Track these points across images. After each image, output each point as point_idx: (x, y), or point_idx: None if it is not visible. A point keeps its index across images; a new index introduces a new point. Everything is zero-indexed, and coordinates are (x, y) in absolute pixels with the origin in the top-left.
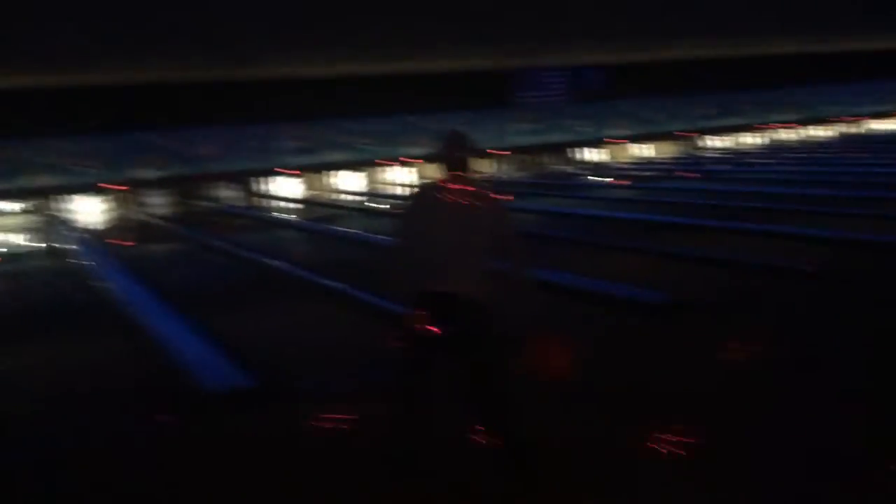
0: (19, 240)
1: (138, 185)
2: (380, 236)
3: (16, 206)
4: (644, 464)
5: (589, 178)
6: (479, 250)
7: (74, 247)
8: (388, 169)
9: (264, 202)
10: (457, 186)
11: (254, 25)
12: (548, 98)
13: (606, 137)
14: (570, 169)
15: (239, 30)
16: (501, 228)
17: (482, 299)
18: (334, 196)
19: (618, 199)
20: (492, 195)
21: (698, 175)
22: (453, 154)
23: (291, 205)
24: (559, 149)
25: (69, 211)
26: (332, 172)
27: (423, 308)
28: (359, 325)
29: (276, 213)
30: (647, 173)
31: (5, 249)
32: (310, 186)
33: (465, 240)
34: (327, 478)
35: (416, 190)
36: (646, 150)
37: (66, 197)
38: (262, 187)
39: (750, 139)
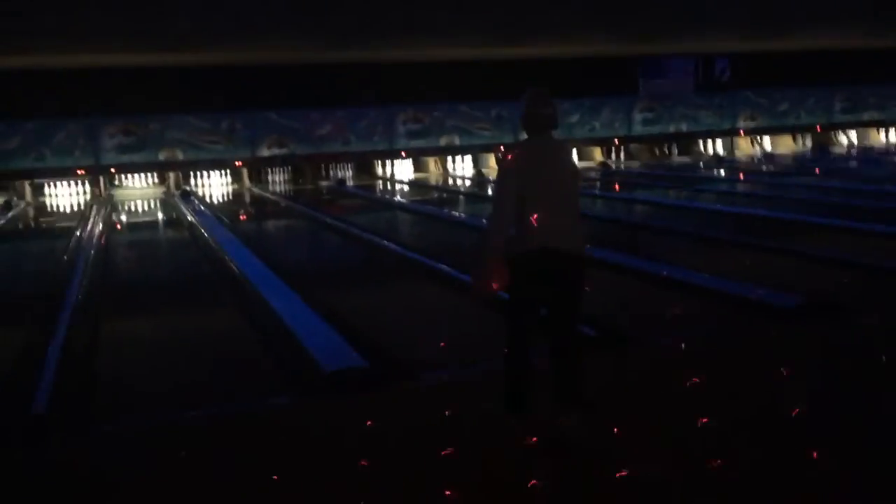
0: (146, 211)
1: (260, 163)
2: None
3: (145, 178)
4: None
5: (711, 170)
6: (576, 205)
7: (197, 220)
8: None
9: (380, 184)
10: (546, 144)
11: (374, 8)
12: (673, 86)
13: (731, 128)
14: (691, 160)
15: (360, 12)
16: (578, 185)
17: (581, 252)
18: (449, 180)
19: (741, 193)
20: (571, 151)
21: (821, 172)
22: (540, 112)
23: (406, 187)
24: (681, 139)
25: (193, 185)
26: (448, 156)
27: (526, 266)
28: (467, 310)
29: (390, 195)
30: (772, 167)
31: (125, 219)
32: (425, 169)
33: (563, 196)
34: (431, 465)
35: (509, 152)
36: (771, 143)
37: (192, 171)
38: (379, 169)
39: (884, 135)
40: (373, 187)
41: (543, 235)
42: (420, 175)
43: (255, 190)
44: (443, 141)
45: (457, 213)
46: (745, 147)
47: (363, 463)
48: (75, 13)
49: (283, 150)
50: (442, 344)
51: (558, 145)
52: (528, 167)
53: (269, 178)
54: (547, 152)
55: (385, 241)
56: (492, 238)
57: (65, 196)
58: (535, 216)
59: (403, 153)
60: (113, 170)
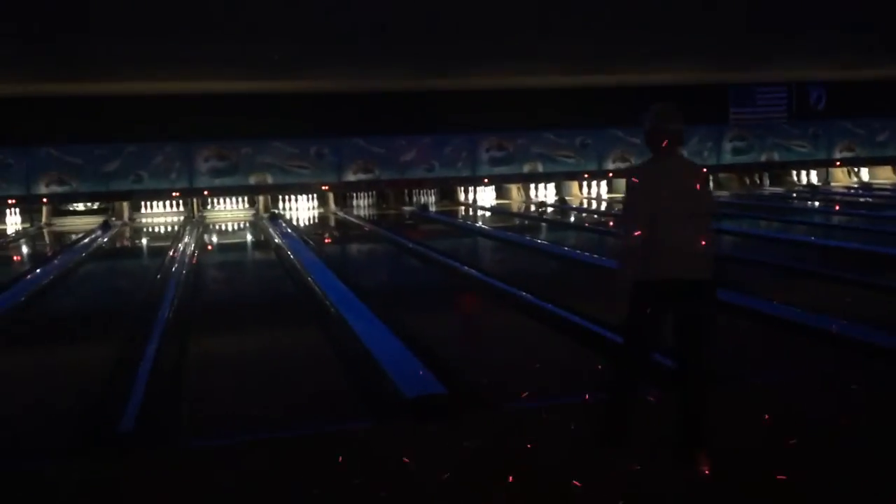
0: (236, 232)
1: (345, 188)
2: (574, 250)
3: (236, 202)
4: None
5: (804, 201)
6: (705, 227)
7: (283, 242)
8: (587, 182)
9: (462, 210)
10: (673, 163)
11: (461, 38)
12: (764, 115)
13: (826, 158)
14: (784, 190)
15: (447, 43)
16: (711, 201)
17: (708, 278)
18: (531, 207)
19: (835, 225)
20: (701, 170)
21: None
22: (667, 128)
23: (487, 213)
24: (773, 169)
25: (281, 208)
26: (530, 184)
27: (647, 294)
28: (544, 337)
29: (471, 221)
30: (871, 199)
31: (216, 240)
32: (507, 196)
33: (690, 218)
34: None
35: (634, 172)
36: (870, 174)
37: (280, 195)
38: (461, 195)
39: None
40: (455, 213)
41: (668, 263)
42: (502, 202)
43: (340, 214)
44: (526, 168)
45: (536, 240)
46: (841, 178)
47: (439, 489)
48: (175, 43)
49: (369, 176)
50: (515, 368)
51: (687, 164)
52: (655, 189)
53: (354, 202)
54: (675, 172)
55: (466, 267)
56: (623, 262)
57: (160, 217)
58: (659, 241)
59: (486, 180)
60: (206, 192)
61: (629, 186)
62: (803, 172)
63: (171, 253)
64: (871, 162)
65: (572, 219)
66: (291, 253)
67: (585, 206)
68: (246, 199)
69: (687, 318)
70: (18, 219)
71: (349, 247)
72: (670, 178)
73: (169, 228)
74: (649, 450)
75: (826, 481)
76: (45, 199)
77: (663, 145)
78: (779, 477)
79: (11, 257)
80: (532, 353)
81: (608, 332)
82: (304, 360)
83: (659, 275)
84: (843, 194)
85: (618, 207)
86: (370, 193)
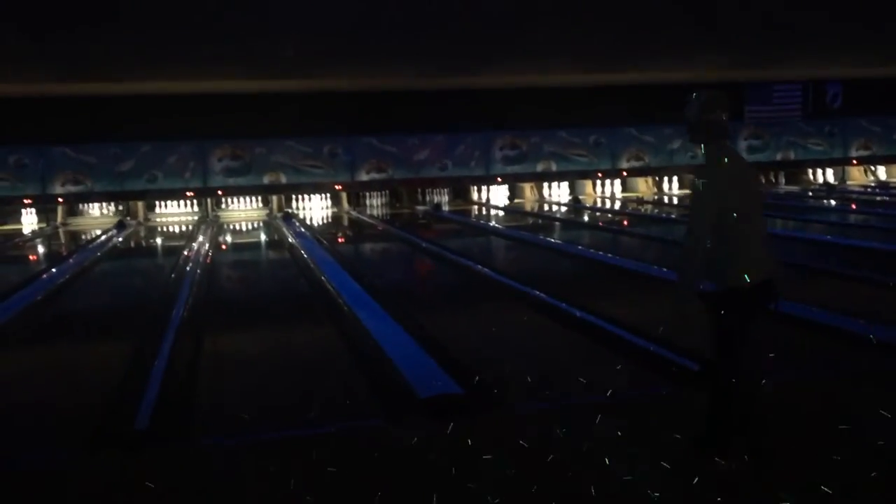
0: (250, 232)
1: (359, 187)
2: (588, 250)
3: (249, 202)
4: None
5: (820, 199)
6: (766, 223)
7: (297, 241)
8: (601, 181)
9: (475, 209)
10: (735, 157)
11: (474, 35)
12: (779, 113)
13: (843, 157)
14: (798, 189)
15: (460, 40)
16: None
17: (778, 276)
18: (544, 206)
19: (853, 224)
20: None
21: None
22: (719, 119)
23: (500, 212)
24: (789, 167)
25: (295, 208)
26: (544, 182)
27: (743, 298)
28: (561, 338)
29: (484, 220)
30: (887, 198)
31: (230, 239)
32: (520, 195)
33: (759, 214)
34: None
35: (702, 174)
36: (887, 173)
37: (294, 195)
38: (474, 194)
39: None
40: (468, 212)
41: (756, 263)
42: (514, 200)
43: (353, 213)
44: (539, 167)
45: (550, 239)
46: (857, 176)
47: (452, 488)
48: (190, 44)
49: (382, 175)
50: (529, 368)
51: (741, 158)
52: (728, 186)
53: (367, 201)
54: (737, 169)
55: (479, 266)
56: (686, 267)
57: (174, 217)
58: (738, 243)
59: (499, 179)
60: (220, 192)
61: (696, 190)
62: (819, 171)
63: (185, 252)
64: (887, 160)
65: (584, 218)
66: (305, 252)
67: (599, 204)
68: (260, 198)
69: (754, 319)
70: (34, 218)
71: (362, 246)
72: (735, 176)
73: (183, 228)
74: (664, 449)
75: (837, 480)
76: (60, 199)
77: (713, 137)
78: (794, 475)
79: (28, 257)
80: (546, 353)
81: (622, 331)
82: (318, 360)
83: (751, 277)
84: (859, 193)
85: (683, 213)
86: (383, 193)
